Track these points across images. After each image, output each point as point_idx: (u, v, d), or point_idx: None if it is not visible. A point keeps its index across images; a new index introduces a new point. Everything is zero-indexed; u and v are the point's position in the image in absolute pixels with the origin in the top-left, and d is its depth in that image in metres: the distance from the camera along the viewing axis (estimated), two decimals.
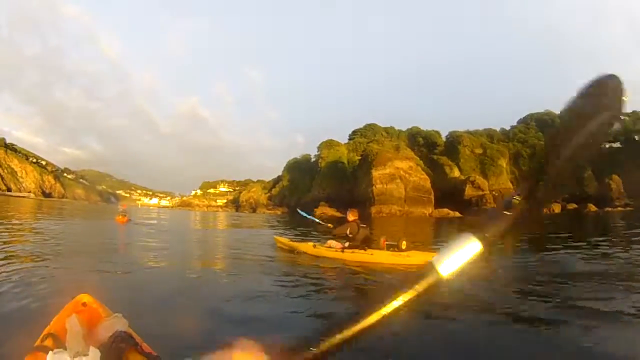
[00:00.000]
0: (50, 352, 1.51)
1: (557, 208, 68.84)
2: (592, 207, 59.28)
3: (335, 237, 8.17)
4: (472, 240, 0.49)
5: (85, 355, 1.48)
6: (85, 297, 2.09)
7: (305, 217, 10.91)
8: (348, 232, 7.86)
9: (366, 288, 5.56)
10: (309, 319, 3.90)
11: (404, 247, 7.38)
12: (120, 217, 17.44)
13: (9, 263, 5.75)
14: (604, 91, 0.44)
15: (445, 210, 62.08)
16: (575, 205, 64.30)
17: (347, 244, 7.79)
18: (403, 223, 35.17)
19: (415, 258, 7.05)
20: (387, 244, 7.65)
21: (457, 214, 60.41)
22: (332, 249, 7.90)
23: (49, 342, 1.69)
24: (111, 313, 2.00)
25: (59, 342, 1.66)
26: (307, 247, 8.48)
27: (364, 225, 8.09)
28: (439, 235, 17.76)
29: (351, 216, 8.21)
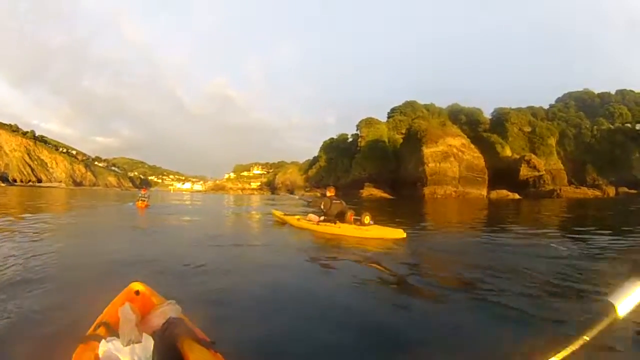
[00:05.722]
0: (102, 340, 1.52)
1: (611, 191, 63.95)
2: None
3: (315, 212, 9.06)
4: None
5: (139, 342, 1.49)
6: (137, 286, 2.09)
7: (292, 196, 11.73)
8: (322, 206, 8.72)
9: (327, 250, 6.48)
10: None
11: (366, 221, 8.00)
12: (140, 202, 17.28)
13: (51, 255, 5.07)
14: None
15: (504, 191, 56.68)
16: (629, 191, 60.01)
17: (322, 218, 8.66)
18: (465, 206, 30.06)
19: (373, 232, 7.67)
20: (354, 218, 8.27)
21: (516, 195, 55.31)
22: (310, 222, 8.86)
23: (101, 331, 1.69)
24: (164, 300, 1.98)
25: (112, 331, 1.67)
26: (293, 219, 9.78)
27: (338, 201, 8.75)
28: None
29: (328, 193, 9.05)
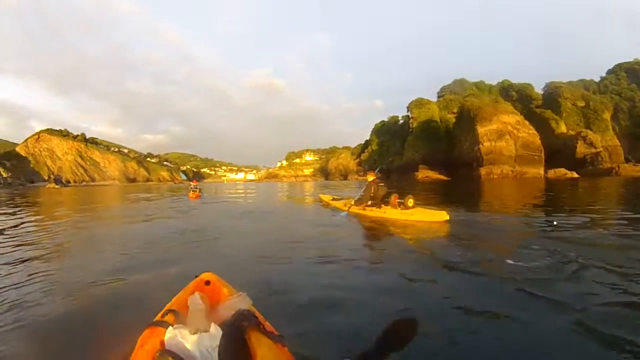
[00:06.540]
0: (169, 327, 1.54)
1: None
2: None
3: (364, 197, 9.19)
4: None
5: (207, 331, 1.48)
6: (208, 276, 2.11)
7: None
8: (372, 191, 8.94)
9: (372, 235, 6.72)
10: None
11: (410, 204, 8.17)
12: (191, 193, 18.45)
13: (116, 249, 5.51)
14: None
15: (562, 170, 55.89)
16: None
17: (369, 202, 8.96)
18: (523, 187, 29.50)
19: (417, 215, 7.83)
20: (397, 202, 8.40)
21: (574, 174, 54.45)
22: (358, 207, 9.17)
23: (169, 318, 1.71)
24: (235, 291, 1.97)
25: (180, 318, 1.68)
26: (341, 204, 10.25)
27: (382, 184, 9.05)
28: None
29: (369, 177, 9.32)
